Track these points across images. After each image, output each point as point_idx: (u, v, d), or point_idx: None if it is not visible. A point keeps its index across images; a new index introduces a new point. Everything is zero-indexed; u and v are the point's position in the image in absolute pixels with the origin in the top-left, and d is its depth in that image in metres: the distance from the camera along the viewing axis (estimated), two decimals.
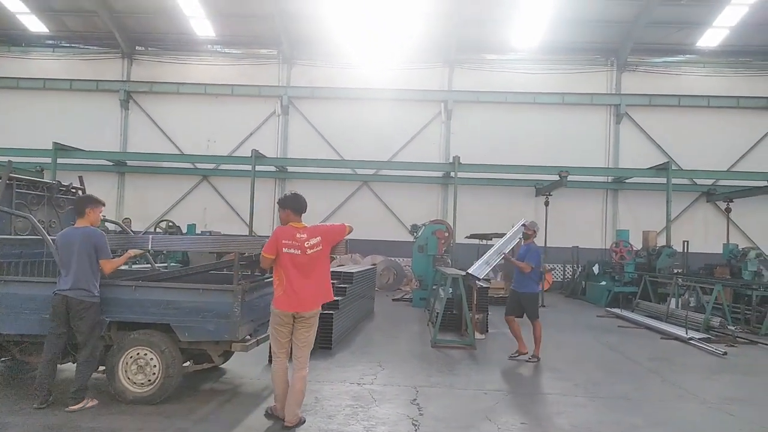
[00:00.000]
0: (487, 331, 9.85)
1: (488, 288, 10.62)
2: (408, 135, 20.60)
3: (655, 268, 14.78)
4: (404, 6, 18.42)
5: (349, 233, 5.25)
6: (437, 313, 9.11)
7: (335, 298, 8.30)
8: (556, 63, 20.52)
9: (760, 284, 12.07)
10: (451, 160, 18.83)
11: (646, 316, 12.26)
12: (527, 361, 7.77)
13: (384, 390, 6.01)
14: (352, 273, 9.20)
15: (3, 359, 6.11)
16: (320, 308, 4.95)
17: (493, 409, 5.47)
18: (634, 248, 15.74)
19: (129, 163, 20.94)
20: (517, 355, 7.95)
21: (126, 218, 18.01)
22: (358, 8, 18.52)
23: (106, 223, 7.60)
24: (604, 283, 15.51)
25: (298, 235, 4.83)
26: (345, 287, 8.82)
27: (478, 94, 20.35)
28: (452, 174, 18.68)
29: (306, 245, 4.82)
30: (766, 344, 9.45)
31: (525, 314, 8.02)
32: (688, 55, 20.48)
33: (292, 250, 4.77)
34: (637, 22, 18.78)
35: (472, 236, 17.16)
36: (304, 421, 4.81)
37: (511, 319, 8.11)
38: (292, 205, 4.99)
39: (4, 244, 5.72)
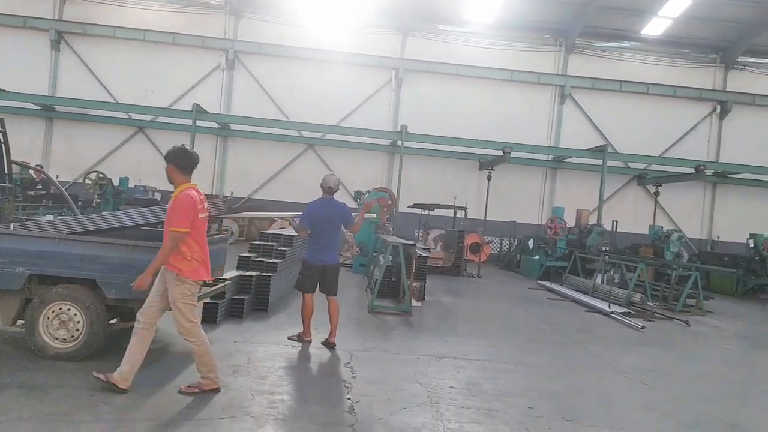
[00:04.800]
0: (424, 298, 10.03)
1: (428, 257, 10.75)
2: (357, 101, 20.34)
3: (585, 245, 15.47)
4: None
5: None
6: (376, 279, 9.18)
7: (275, 261, 8.22)
8: (507, 39, 20.67)
9: (680, 264, 12.90)
10: (399, 129, 18.79)
11: (573, 289, 12.86)
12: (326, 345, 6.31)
13: (318, 353, 6.03)
14: (292, 236, 9.08)
15: None
16: None
17: (424, 373, 5.61)
18: (568, 225, 16.38)
19: (58, 108, 19.64)
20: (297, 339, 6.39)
21: (38, 165, 16.48)
22: None
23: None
24: (537, 257, 16.10)
25: (200, 197, 4.49)
26: (284, 250, 8.71)
27: (430, 64, 20.27)
28: (399, 143, 18.68)
29: (205, 206, 4.58)
30: (679, 320, 10.13)
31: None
32: (632, 42, 21.14)
33: (203, 214, 4.47)
34: (589, 4, 19.11)
35: (415, 206, 17.32)
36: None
37: (306, 295, 6.35)
38: (178, 161, 4.42)
39: None
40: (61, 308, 4.93)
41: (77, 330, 4.94)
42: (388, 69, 20.38)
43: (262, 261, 8.15)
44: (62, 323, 4.94)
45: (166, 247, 4.31)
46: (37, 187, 14.17)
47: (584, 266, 14.26)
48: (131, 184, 17.52)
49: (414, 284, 9.23)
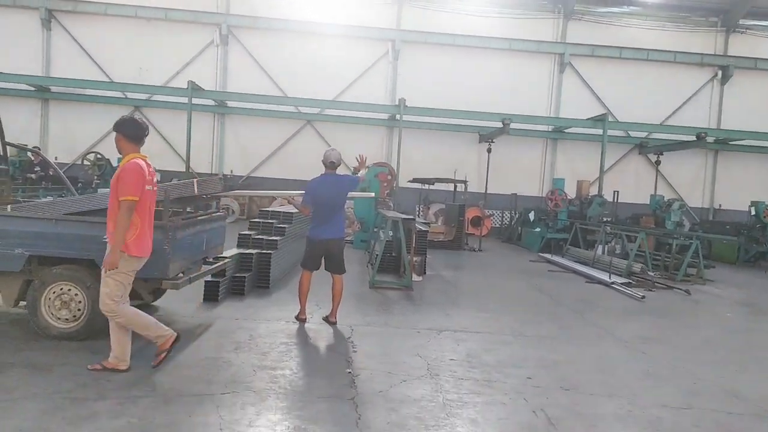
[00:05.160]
0: (425, 273, 10.07)
1: (428, 231, 10.75)
2: (355, 74, 20.11)
3: (586, 216, 15.45)
4: None
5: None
6: (377, 254, 9.19)
7: (274, 238, 8.23)
8: (505, 6, 20.32)
9: (680, 234, 12.90)
10: (397, 102, 18.61)
11: (574, 261, 12.90)
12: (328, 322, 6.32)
13: (319, 329, 6.07)
14: (292, 213, 9.07)
15: None
16: None
17: (424, 346, 5.65)
18: (568, 197, 16.35)
19: (53, 89, 19.45)
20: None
21: (35, 146, 16.44)
22: None
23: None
24: (538, 229, 16.11)
25: (150, 169, 4.39)
26: (284, 227, 8.70)
27: (427, 35, 19.96)
28: (398, 117, 18.53)
29: (154, 180, 4.47)
30: (680, 289, 10.17)
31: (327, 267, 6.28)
32: (632, 7, 20.76)
33: (150, 186, 4.34)
34: None
35: (415, 180, 17.27)
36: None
37: (304, 272, 6.26)
38: (131, 130, 4.38)
39: None
40: (62, 289, 4.96)
41: (79, 310, 4.97)
42: (385, 41, 20.09)
43: (262, 239, 8.16)
44: (64, 303, 4.97)
45: (123, 219, 4.13)
46: (36, 170, 14.13)
47: (585, 237, 14.28)
48: None
49: (414, 259, 9.25)
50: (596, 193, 17.11)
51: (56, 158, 17.79)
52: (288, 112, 19.98)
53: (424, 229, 10.20)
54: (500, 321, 7.03)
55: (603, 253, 12.65)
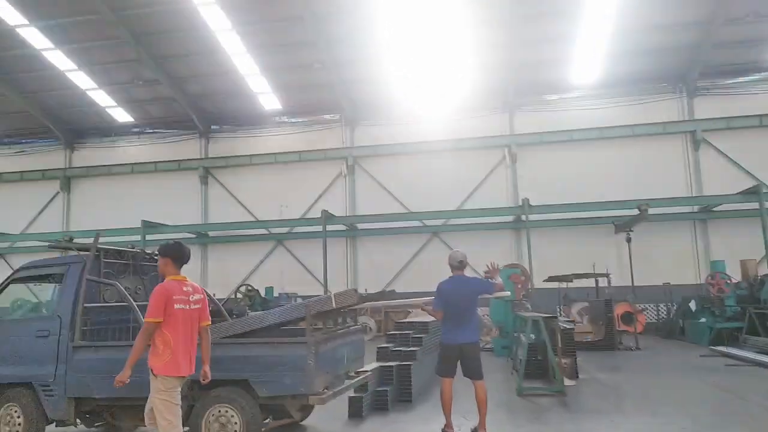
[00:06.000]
0: (578, 376, 9.18)
1: (573, 329, 9.97)
2: (474, 183, 20.47)
3: (760, 300, 13.44)
4: (459, 58, 18.78)
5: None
6: (520, 359, 8.63)
7: (413, 349, 8.13)
8: (620, 96, 19.94)
9: None
10: (520, 203, 18.43)
11: (757, 352, 11.06)
12: None
13: None
14: (427, 322, 9.00)
15: (97, 425, 6.32)
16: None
17: None
18: (733, 280, 14.48)
19: (210, 233, 22.05)
20: None
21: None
22: (413, 65, 19.07)
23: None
24: (704, 319, 14.24)
25: (184, 288, 4.51)
26: (420, 337, 8.61)
27: (542, 135, 20.03)
28: (523, 217, 18.23)
29: (191, 299, 4.53)
30: None
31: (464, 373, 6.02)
32: (763, 73, 19.36)
33: (182, 305, 4.42)
34: (701, 46, 18.04)
35: (551, 278, 16.44)
36: None
37: (443, 380, 6.05)
38: (174, 254, 4.58)
39: (93, 311, 6.04)
40: (219, 411, 5.21)
41: (235, 431, 5.15)
42: (500, 147, 20.46)
43: (401, 350, 8.10)
44: (222, 426, 5.19)
45: (138, 338, 4.31)
46: None
47: (764, 324, 12.31)
48: (275, 293, 18.75)
49: (563, 361, 8.53)
50: (765, 272, 14.96)
51: (214, 294, 19.64)
52: (413, 228, 20.59)
53: (569, 326, 9.50)
54: (678, 425, 6.08)
55: None
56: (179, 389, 4.44)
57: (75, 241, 20.18)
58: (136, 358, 4.33)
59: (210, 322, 4.73)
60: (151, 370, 4.34)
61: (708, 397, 7.85)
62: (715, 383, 8.68)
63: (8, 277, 6.26)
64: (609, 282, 15.15)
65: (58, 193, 23.40)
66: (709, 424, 6.13)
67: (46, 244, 20.15)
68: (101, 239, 6.27)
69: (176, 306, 4.37)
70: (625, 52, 18.31)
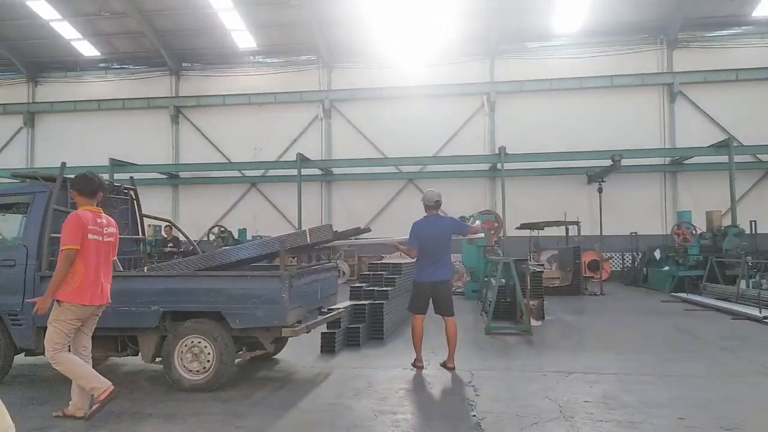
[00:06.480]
0: (544, 318, 9.48)
1: (542, 272, 10.22)
2: (451, 130, 20.35)
3: (722, 249, 13.95)
4: (440, 2, 18.23)
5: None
6: (490, 301, 8.86)
7: (386, 289, 8.25)
8: (601, 45, 19.80)
9: None
10: (497, 152, 18.46)
11: (715, 298, 11.56)
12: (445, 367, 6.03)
13: (438, 374, 5.85)
14: (401, 264, 9.10)
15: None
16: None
17: (552, 389, 5.22)
18: (698, 230, 14.94)
19: (181, 175, 21.61)
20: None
21: (167, 220, 17.94)
22: (393, 9, 18.45)
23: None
24: (667, 268, 14.77)
25: (98, 220, 4.54)
26: (394, 278, 8.72)
27: (522, 83, 19.88)
28: (499, 166, 18.30)
29: (104, 231, 4.56)
30: None
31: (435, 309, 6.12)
32: (744, 27, 19.36)
33: (95, 236, 4.44)
34: None
35: (523, 226, 16.70)
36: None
37: (415, 317, 6.16)
38: (80, 186, 4.59)
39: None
40: (192, 342, 5.23)
41: (208, 362, 5.19)
42: (479, 95, 20.28)
43: (374, 289, 8.20)
44: (194, 356, 5.22)
45: (59, 267, 4.28)
46: (169, 245, 15.51)
47: (723, 272, 12.82)
48: (249, 236, 18.66)
49: (531, 303, 8.78)
50: (728, 224, 15.47)
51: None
52: (389, 173, 20.52)
53: (538, 269, 9.73)
54: (637, 361, 6.36)
55: (747, 287, 11.24)
56: (77, 322, 4.41)
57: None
58: (56, 286, 4.28)
59: (116, 257, 4.80)
60: (55, 296, 4.31)
61: (667, 336, 8.22)
62: (674, 325, 9.08)
63: None
64: (579, 230, 15.48)
65: (21, 128, 22.49)
66: (666, 360, 6.42)
67: (8, 176, 19.52)
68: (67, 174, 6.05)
69: (89, 236, 4.37)
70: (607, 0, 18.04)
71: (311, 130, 21.29)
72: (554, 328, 8.83)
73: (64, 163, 6.02)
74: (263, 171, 21.07)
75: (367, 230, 6.87)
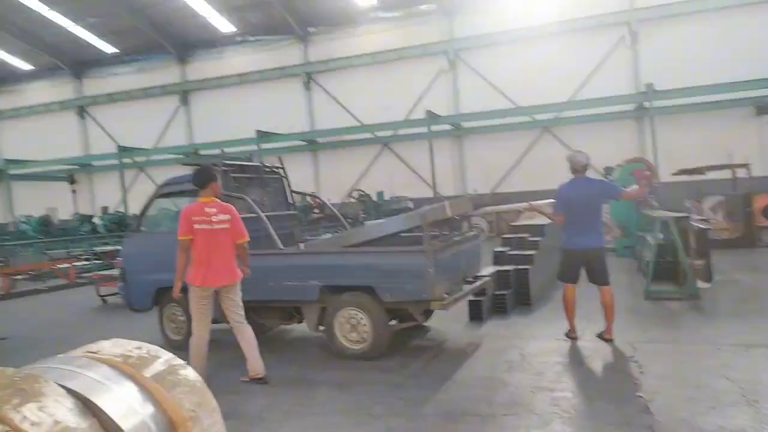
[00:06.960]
0: (712, 278, 8.59)
1: (707, 230, 9.21)
2: (588, 70, 18.83)
3: None
4: None
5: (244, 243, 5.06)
6: (647, 261, 8.20)
7: (530, 253, 8.01)
8: None
9: None
10: (643, 90, 16.74)
11: None
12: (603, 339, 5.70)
13: (595, 347, 5.58)
14: (543, 225, 8.74)
15: None
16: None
17: (730, 366, 4.73)
18: None
19: (319, 140, 22.60)
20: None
21: (313, 192, 18.87)
22: None
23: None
24: None
25: (205, 209, 4.85)
26: (537, 240, 8.42)
27: (669, 7, 17.63)
28: (646, 104, 16.61)
29: (213, 219, 4.84)
30: None
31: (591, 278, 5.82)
32: None
33: (202, 225, 4.81)
34: None
35: (681, 172, 15.10)
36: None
37: (566, 286, 5.85)
38: (195, 180, 5.00)
39: None
40: (349, 314, 5.56)
41: (365, 332, 5.50)
42: (618, 25, 18.38)
43: (517, 254, 8.01)
44: (352, 327, 5.56)
45: (178, 255, 4.85)
46: (315, 212, 16.44)
47: None
48: (386, 197, 19.15)
49: (697, 262, 7.97)
50: None
51: (329, 199, 20.54)
52: (522, 123, 19.63)
53: (704, 226, 8.76)
54: None
55: None
56: (207, 299, 4.92)
57: (199, 153, 21.67)
58: (181, 272, 4.88)
59: (246, 239, 5.05)
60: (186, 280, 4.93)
61: None
62: None
63: (154, 193, 6.90)
64: (749, 172, 13.66)
65: (179, 107, 24.87)
66: None
67: (177, 157, 21.77)
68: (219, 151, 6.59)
69: (196, 226, 4.81)
70: None
71: (438, 84, 20.96)
72: (726, 290, 7.95)
73: (222, 151, 6.55)
74: (393, 131, 21.27)
75: (505, 197, 6.65)
